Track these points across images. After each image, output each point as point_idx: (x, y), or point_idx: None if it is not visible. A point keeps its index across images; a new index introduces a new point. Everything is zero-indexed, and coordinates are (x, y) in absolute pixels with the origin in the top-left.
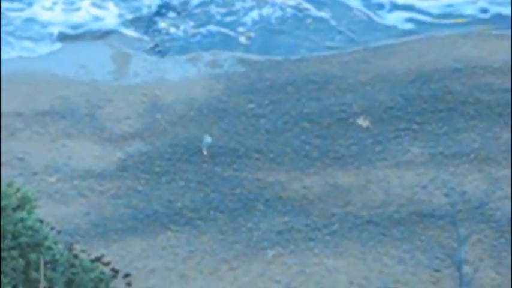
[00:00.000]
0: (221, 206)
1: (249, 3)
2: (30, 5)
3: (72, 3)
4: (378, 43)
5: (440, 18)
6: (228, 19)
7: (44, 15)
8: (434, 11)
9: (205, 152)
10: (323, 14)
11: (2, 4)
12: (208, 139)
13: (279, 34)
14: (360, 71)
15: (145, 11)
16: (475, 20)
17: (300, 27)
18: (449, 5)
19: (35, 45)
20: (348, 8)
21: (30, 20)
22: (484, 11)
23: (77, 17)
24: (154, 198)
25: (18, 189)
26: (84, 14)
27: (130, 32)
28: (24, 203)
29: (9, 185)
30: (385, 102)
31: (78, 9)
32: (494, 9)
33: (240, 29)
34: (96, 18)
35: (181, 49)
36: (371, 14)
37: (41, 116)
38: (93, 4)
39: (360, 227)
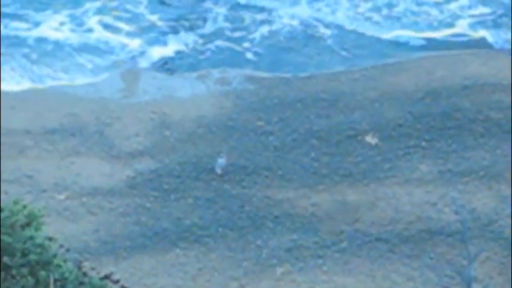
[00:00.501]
0: (230, 224)
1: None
2: (37, 25)
3: (80, 24)
4: (386, 60)
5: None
6: (237, 35)
7: (53, 35)
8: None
9: (219, 172)
10: (330, 31)
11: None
12: (222, 160)
13: (287, 51)
14: (368, 89)
15: (154, 28)
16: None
17: (308, 44)
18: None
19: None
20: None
21: (42, 40)
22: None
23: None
24: (163, 216)
25: (24, 207)
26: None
27: (139, 49)
28: (31, 220)
29: (16, 202)
30: (394, 120)
31: (88, 30)
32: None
33: (246, 44)
34: (105, 37)
35: (190, 66)
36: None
37: (50, 134)
38: (101, 23)
39: (369, 244)
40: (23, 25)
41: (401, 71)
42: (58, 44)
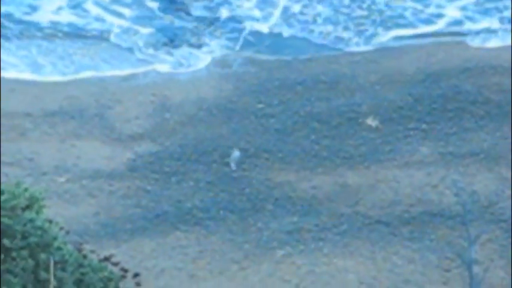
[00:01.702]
0: (230, 206)
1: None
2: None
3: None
4: (387, 43)
5: None
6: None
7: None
8: None
9: (233, 166)
10: (333, 12)
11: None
12: (236, 153)
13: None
14: (369, 71)
15: (154, 10)
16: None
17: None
18: None
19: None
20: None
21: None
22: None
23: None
24: (163, 199)
25: (26, 189)
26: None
27: (140, 31)
28: (32, 202)
29: (17, 185)
30: (395, 102)
31: (85, 11)
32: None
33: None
34: (103, 19)
35: (190, 48)
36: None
37: (50, 117)
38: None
39: (370, 226)
40: (23, 8)
41: (402, 54)
42: (57, 27)
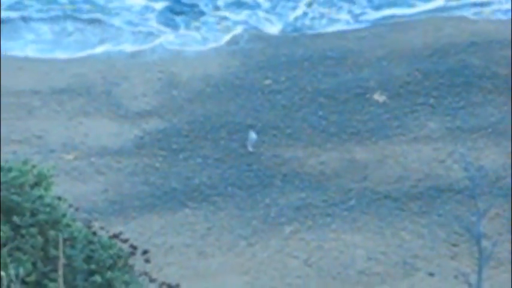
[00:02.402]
0: (238, 183)
1: None
2: None
3: None
4: (394, 18)
5: None
6: None
7: None
8: None
9: (250, 149)
10: None
11: None
12: (253, 135)
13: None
14: (376, 46)
15: None
16: None
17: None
18: None
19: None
20: None
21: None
22: None
23: None
24: (171, 175)
25: (33, 166)
26: None
27: (148, 4)
28: (40, 180)
29: (25, 162)
30: (402, 77)
31: None
32: None
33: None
34: None
35: (197, 24)
36: None
37: (57, 94)
38: None
39: (378, 202)
40: None
41: (409, 29)
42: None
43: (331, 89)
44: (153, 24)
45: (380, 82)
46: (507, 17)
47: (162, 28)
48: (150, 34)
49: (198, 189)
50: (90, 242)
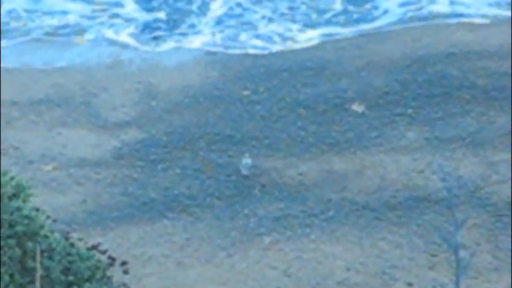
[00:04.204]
0: (217, 193)
1: None
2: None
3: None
4: (372, 29)
5: None
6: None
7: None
8: None
9: (244, 172)
10: None
11: None
12: (248, 160)
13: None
14: (355, 57)
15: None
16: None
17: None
18: None
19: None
20: None
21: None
22: None
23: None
24: (150, 186)
25: (12, 178)
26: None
27: (126, 16)
28: (18, 191)
29: (4, 173)
30: (381, 88)
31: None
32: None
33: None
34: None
35: (175, 35)
36: None
37: (36, 105)
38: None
39: (357, 212)
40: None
41: (388, 39)
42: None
43: (310, 99)
44: (132, 34)
45: (358, 92)
46: (490, 27)
47: (141, 39)
48: (128, 45)
49: (176, 200)
50: (68, 254)
